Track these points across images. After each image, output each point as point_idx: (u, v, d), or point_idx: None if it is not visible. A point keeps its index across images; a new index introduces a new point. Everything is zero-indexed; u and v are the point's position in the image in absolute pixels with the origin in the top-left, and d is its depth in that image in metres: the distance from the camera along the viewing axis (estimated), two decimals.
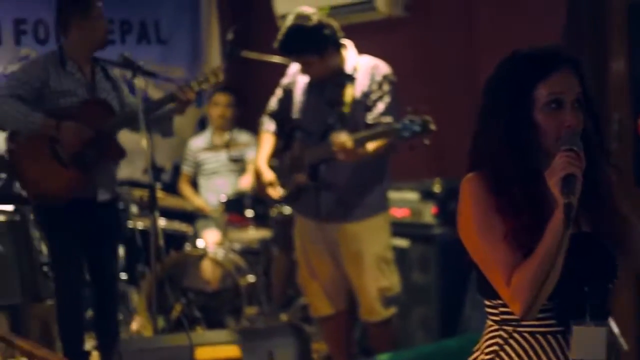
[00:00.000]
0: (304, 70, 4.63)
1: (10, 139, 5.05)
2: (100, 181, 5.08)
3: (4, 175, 5.91)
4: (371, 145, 4.42)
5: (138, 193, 6.18)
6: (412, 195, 5.34)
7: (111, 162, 5.15)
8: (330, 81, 4.61)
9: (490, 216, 2.22)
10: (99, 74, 5.14)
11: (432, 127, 4.22)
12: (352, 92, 4.54)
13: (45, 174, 4.95)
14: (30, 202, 4.75)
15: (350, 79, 4.56)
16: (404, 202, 5.34)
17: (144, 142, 4.54)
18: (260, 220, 5.95)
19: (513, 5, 5.32)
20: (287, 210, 5.83)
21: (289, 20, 4.55)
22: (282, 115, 4.91)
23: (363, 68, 4.60)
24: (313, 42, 4.50)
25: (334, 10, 5.90)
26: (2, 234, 6.05)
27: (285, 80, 4.90)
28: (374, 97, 4.54)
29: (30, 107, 4.85)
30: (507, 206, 2.20)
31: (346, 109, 4.52)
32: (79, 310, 5.26)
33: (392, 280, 4.70)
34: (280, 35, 4.57)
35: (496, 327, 2.33)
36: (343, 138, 4.32)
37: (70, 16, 5.02)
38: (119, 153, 5.14)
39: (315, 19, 4.51)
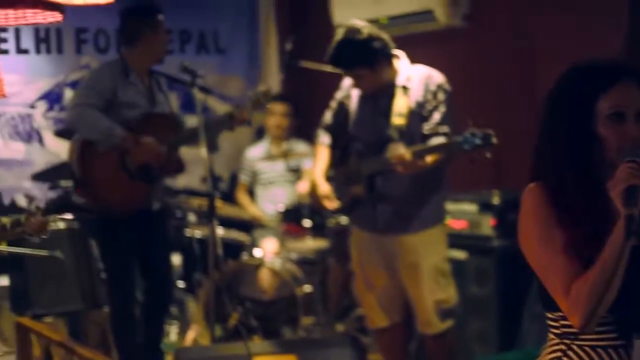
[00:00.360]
0: (356, 84, 4.62)
1: (83, 147, 5.09)
2: (154, 191, 5.15)
3: (64, 184, 6.00)
4: (429, 158, 4.40)
5: (196, 202, 6.22)
6: (470, 207, 5.30)
7: (172, 175, 5.22)
8: (384, 92, 4.59)
9: (551, 227, 2.21)
10: (155, 87, 5.23)
11: (494, 140, 4.18)
12: (407, 103, 4.51)
13: (114, 184, 5.06)
14: (90, 211, 4.80)
15: (405, 89, 4.54)
16: (462, 213, 5.30)
17: (202, 152, 4.56)
18: (318, 230, 5.96)
19: (573, 16, 5.26)
20: (344, 220, 5.83)
21: (339, 34, 4.53)
22: (337, 128, 4.89)
23: (417, 78, 4.57)
24: (363, 56, 4.47)
25: (394, 21, 5.91)
26: (61, 242, 6.13)
27: (339, 94, 4.89)
28: (429, 106, 4.50)
29: (109, 119, 4.92)
30: (568, 217, 2.19)
31: (402, 120, 4.49)
32: (133, 317, 5.31)
33: (449, 293, 4.66)
34: (330, 49, 4.55)
35: (557, 340, 2.31)
36: (401, 150, 4.29)
37: (140, 28, 5.12)
38: (180, 167, 5.22)
39: (365, 32, 4.47)
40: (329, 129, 4.98)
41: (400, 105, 4.52)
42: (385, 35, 4.55)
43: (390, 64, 4.55)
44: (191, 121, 5.48)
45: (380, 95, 4.60)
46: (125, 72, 5.10)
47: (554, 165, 2.27)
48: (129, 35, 5.18)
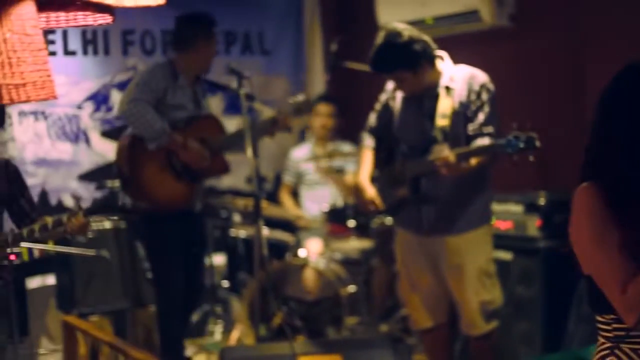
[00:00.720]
0: (398, 86, 4.61)
1: (132, 145, 5.20)
2: (197, 193, 5.29)
3: (110, 184, 6.06)
4: (473, 160, 4.38)
5: (241, 202, 6.25)
6: (516, 208, 5.28)
7: (216, 176, 5.31)
8: (428, 94, 4.58)
9: (606, 226, 2.19)
10: (199, 92, 5.43)
11: (538, 144, 4.15)
12: (451, 104, 4.50)
13: (160, 182, 5.18)
14: (133, 211, 4.88)
15: (448, 90, 4.53)
16: (507, 214, 5.28)
17: (248, 153, 4.59)
18: (362, 230, 5.96)
19: (621, 15, 5.22)
20: (388, 220, 5.83)
21: (380, 38, 4.51)
22: (382, 130, 4.89)
23: (460, 78, 4.55)
24: (405, 59, 4.45)
25: (439, 21, 5.90)
26: (108, 241, 6.21)
27: (384, 96, 4.89)
28: (473, 107, 4.48)
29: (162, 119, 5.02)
30: (625, 217, 2.17)
31: (446, 121, 4.48)
32: (180, 316, 5.37)
33: (493, 294, 4.64)
34: (371, 53, 4.54)
35: (608, 344, 2.29)
36: (445, 153, 4.27)
37: (195, 35, 5.25)
38: (225, 169, 5.30)
39: (406, 34, 4.45)
40: (374, 131, 4.98)
41: (444, 106, 4.50)
42: (426, 37, 4.53)
43: (432, 65, 4.53)
44: (235, 123, 5.52)
45: (424, 96, 4.58)
46: (174, 75, 5.22)
47: (610, 165, 2.25)
48: (182, 40, 5.29)
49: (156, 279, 5.50)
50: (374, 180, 4.90)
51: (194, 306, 5.68)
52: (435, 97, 4.55)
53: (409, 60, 4.44)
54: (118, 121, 6.47)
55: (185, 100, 5.23)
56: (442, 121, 4.49)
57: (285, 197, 6.95)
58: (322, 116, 6.84)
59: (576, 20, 5.55)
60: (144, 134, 5.09)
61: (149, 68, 5.42)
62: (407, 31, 4.46)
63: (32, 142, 6.55)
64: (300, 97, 5.38)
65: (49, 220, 4.25)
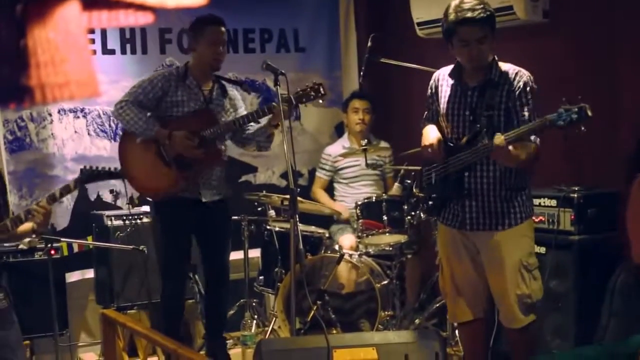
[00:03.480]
0: (472, 48, 4.47)
1: (123, 138, 5.66)
2: (203, 184, 5.53)
3: None
4: (523, 153, 4.38)
5: (275, 197, 6.31)
6: (549, 202, 5.30)
7: (211, 165, 5.47)
8: (474, 87, 4.60)
9: None
10: (217, 91, 5.63)
11: (590, 113, 4.15)
12: (497, 98, 4.53)
13: (150, 171, 5.51)
14: (118, 175, 5.08)
15: (494, 84, 4.55)
16: (541, 208, 5.30)
17: (284, 148, 4.64)
18: (396, 224, 5.99)
19: None
20: (422, 215, 5.87)
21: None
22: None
23: (506, 74, 4.58)
24: (493, 15, 4.47)
25: None
26: (145, 236, 6.29)
27: (429, 91, 4.89)
28: (518, 103, 4.51)
29: (148, 114, 5.45)
30: None
31: (492, 114, 4.51)
32: (181, 302, 5.78)
33: (533, 288, 4.65)
34: (464, 5, 4.45)
35: None
36: (499, 139, 4.29)
37: (192, 39, 5.64)
38: (217, 158, 5.52)
39: None
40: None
41: (490, 100, 4.53)
42: None
43: (493, 43, 4.57)
44: (268, 119, 5.59)
45: (470, 89, 4.61)
46: (184, 76, 5.55)
47: None
48: (188, 43, 5.73)
49: (160, 262, 5.83)
50: (423, 174, 4.91)
51: (219, 299, 5.76)
52: (481, 90, 4.58)
53: (494, 17, 4.47)
54: None
55: (188, 98, 5.52)
56: (487, 114, 4.52)
57: (320, 192, 6.98)
58: (358, 112, 6.87)
59: (608, 16, 5.55)
60: (130, 130, 5.51)
61: (154, 73, 5.78)
62: None
63: (71, 139, 6.66)
64: (309, 84, 5.41)
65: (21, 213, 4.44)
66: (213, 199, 5.58)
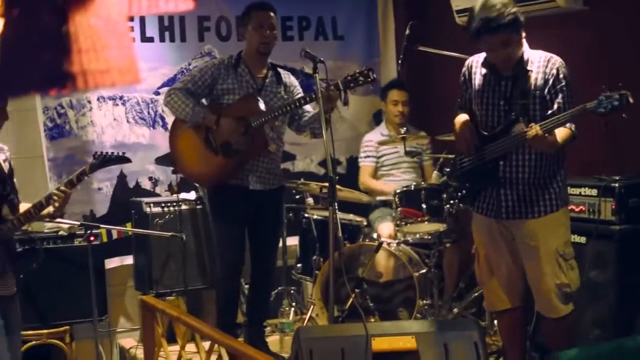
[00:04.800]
0: (497, 53, 4.48)
1: (174, 126, 5.68)
2: (252, 172, 5.51)
3: None
4: (560, 137, 4.36)
5: (313, 185, 6.31)
6: (590, 192, 5.25)
7: (256, 154, 5.46)
8: (507, 75, 4.58)
9: None
10: (271, 79, 5.61)
11: (631, 100, 4.12)
12: (530, 85, 4.50)
13: (198, 158, 5.52)
14: (126, 160, 5.11)
15: (527, 72, 4.52)
16: (582, 198, 5.26)
17: (324, 136, 4.64)
18: (435, 213, 5.96)
19: None
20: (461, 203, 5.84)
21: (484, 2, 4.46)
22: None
23: (538, 61, 4.54)
24: (516, 18, 4.41)
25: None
26: (184, 223, 6.33)
27: (461, 78, 4.88)
28: (552, 90, 4.47)
29: (196, 101, 5.46)
30: None
31: (526, 102, 4.48)
32: (235, 286, 5.74)
33: (570, 277, 4.62)
34: (481, 13, 4.45)
35: None
36: (535, 129, 4.27)
37: (240, 25, 5.77)
38: (262, 146, 5.47)
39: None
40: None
41: (523, 87, 4.51)
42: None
43: (521, 40, 4.53)
44: (309, 106, 5.59)
45: (502, 77, 4.58)
46: (236, 64, 5.56)
47: None
48: (227, 30, 5.68)
49: (215, 249, 5.89)
50: (458, 165, 4.90)
51: (263, 287, 5.78)
52: (514, 78, 4.55)
53: (518, 21, 4.43)
54: None
55: (239, 86, 5.52)
56: (522, 102, 4.50)
57: (370, 180, 6.90)
58: (397, 101, 6.84)
59: None
60: (179, 116, 5.52)
61: (207, 61, 5.87)
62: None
63: (110, 126, 6.70)
64: (359, 69, 5.39)
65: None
66: (263, 188, 5.56)
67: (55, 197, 4.55)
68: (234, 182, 5.49)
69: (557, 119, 4.28)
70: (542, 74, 4.50)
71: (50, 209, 4.62)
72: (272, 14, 5.55)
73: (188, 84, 5.49)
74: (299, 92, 5.72)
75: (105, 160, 4.81)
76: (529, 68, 4.52)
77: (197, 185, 6.51)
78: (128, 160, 4.97)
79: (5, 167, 4.58)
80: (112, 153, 4.86)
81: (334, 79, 5.42)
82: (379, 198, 6.75)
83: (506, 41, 4.41)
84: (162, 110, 6.80)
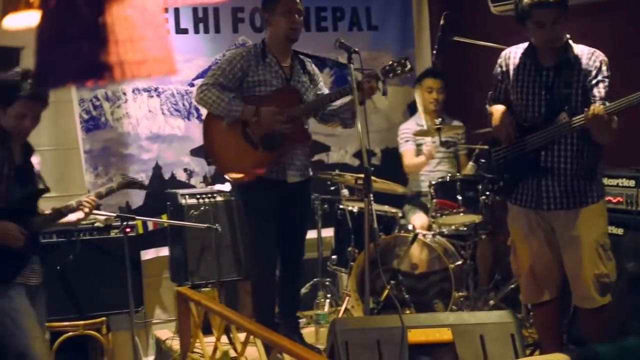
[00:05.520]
0: (545, 30, 4.45)
1: (208, 122, 5.55)
2: (289, 164, 5.45)
3: None
4: (615, 124, 4.35)
5: (348, 177, 6.29)
6: (627, 182, 5.19)
7: (297, 145, 5.42)
8: (549, 65, 4.55)
9: None
10: (297, 67, 5.54)
11: None
12: (573, 77, 4.47)
13: (238, 154, 5.40)
14: (144, 187, 5.21)
15: (569, 63, 4.49)
16: (619, 189, 5.20)
17: (357, 127, 4.62)
18: (470, 204, 5.93)
19: None
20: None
21: None
22: (501, 104, 4.84)
23: (581, 53, 4.52)
24: None
25: None
26: (219, 215, 6.33)
27: (498, 69, 4.84)
28: (594, 82, 4.45)
29: (231, 95, 5.31)
30: None
31: (569, 91, 4.45)
32: (272, 280, 5.61)
33: (608, 268, 4.60)
34: None
35: None
36: (598, 108, 4.25)
37: (264, 14, 5.57)
38: (305, 137, 5.40)
39: None
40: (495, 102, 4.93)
41: (568, 79, 4.48)
42: None
43: (565, 25, 4.51)
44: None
45: (545, 69, 4.56)
46: (263, 54, 5.45)
47: None
48: (261, 21, 5.54)
49: (250, 245, 5.76)
50: (495, 155, 4.87)
51: (293, 278, 5.76)
52: (555, 67, 4.54)
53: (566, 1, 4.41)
54: None
55: (270, 77, 5.42)
56: (566, 92, 4.47)
57: (415, 159, 6.82)
58: (432, 91, 6.81)
59: None
60: (214, 112, 5.40)
61: (231, 53, 5.66)
62: None
63: (145, 118, 6.72)
64: (396, 60, 5.37)
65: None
66: (300, 180, 5.54)
67: (85, 204, 4.65)
68: (271, 175, 5.43)
69: (621, 103, 4.26)
70: (585, 65, 4.49)
71: (80, 214, 4.70)
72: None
73: (219, 78, 5.37)
74: (320, 80, 5.70)
75: (131, 183, 5.12)
76: (572, 60, 4.50)
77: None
78: (146, 188, 5.41)
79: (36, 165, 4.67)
80: (135, 179, 5.18)
81: (369, 69, 5.39)
82: (415, 189, 6.73)
83: (555, 19, 4.39)
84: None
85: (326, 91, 5.68)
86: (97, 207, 4.93)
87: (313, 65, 5.73)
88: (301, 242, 5.75)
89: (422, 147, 6.77)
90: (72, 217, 4.70)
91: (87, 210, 4.67)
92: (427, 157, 6.57)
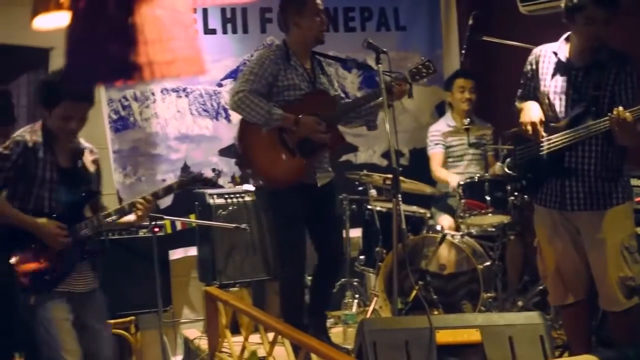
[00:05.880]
0: (596, 26, 4.47)
1: (243, 127, 5.36)
2: (319, 167, 5.43)
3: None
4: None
5: (376, 177, 6.29)
6: None
7: (332, 149, 5.39)
8: (580, 66, 4.53)
9: None
10: (317, 69, 5.49)
11: None
12: (605, 80, 4.44)
13: (276, 161, 5.30)
14: (216, 184, 5.06)
15: (600, 64, 4.46)
16: None
17: (386, 128, 4.61)
18: (499, 204, 5.90)
19: None
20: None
21: None
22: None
23: (614, 57, 4.49)
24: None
25: None
26: (248, 215, 6.34)
27: (528, 67, 4.82)
28: (623, 86, 4.43)
29: (270, 103, 5.20)
30: None
31: (597, 93, 4.43)
32: (302, 283, 5.54)
33: (634, 270, 4.56)
34: None
35: None
36: (625, 113, 4.22)
37: (287, 14, 5.39)
38: (340, 141, 5.37)
39: None
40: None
41: (597, 81, 4.46)
42: None
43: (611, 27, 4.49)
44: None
45: (575, 69, 4.54)
46: (287, 56, 5.34)
47: None
48: (282, 23, 5.43)
49: (279, 250, 5.65)
50: (519, 152, 4.85)
51: (333, 277, 5.74)
52: (586, 68, 4.52)
53: (620, 2, 4.39)
54: None
55: (298, 80, 5.33)
56: (594, 94, 4.45)
57: (441, 170, 6.85)
58: (463, 91, 6.79)
59: None
60: (252, 120, 5.23)
61: (258, 55, 5.52)
62: None
63: (174, 118, 6.75)
64: (419, 62, 5.36)
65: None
66: (327, 182, 5.50)
67: (139, 206, 4.56)
68: (304, 180, 5.37)
69: None
70: (616, 69, 4.45)
71: (132, 217, 4.64)
72: None
73: (254, 83, 5.22)
74: (335, 82, 5.69)
75: (194, 180, 4.88)
76: (604, 61, 4.47)
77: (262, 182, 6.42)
78: (216, 184, 4.97)
79: (92, 167, 4.64)
80: (202, 174, 4.94)
81: (397, 70, 5.37)
82: (443, 189, 6.72)
83: (607, 18, 4.37)
84: (225, 102, 6.83)
85: (339, 92, 5.67)
86: (155, 209, 4.82)
87: (330, 67, 5.72)
88: (339, 241, 5.70)
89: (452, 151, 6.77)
90: (126, 218, 4.64)
91: (140, 213, 4.58)
92: (451, 185, 6.54)
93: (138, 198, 4.62)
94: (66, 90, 4.19)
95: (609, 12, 4.36)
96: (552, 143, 4.57)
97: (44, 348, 4.34)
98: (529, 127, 4.62)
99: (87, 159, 4.62)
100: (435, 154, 6.90)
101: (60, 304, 4.37)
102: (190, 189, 6.61)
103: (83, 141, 4.64)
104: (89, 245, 4.54)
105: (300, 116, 5.24)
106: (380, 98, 5.03)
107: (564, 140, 4.52)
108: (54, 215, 4.35)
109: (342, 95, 5.81)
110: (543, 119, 4.63)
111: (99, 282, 4.63)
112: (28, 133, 4.35)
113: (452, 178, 6.53)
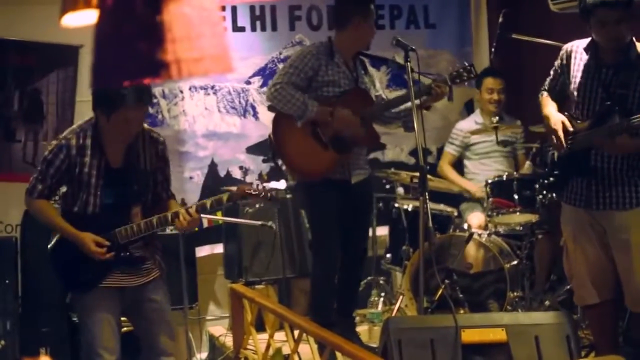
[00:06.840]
0: (610, 27, 4.44)
1: (278, 121, 5.44)
2: (354, 164, 5.42)
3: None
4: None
5: (404, 175, 6.28)
6: None
7: (366, 146, 5.38)
8: (610, 63, 4.50)
9: None
10: (359, 68, 5.53)
11: None
12: (635, 79, 4.41)
13: (307, 154, 5.36)
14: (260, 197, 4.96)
15: (630, 63, 4.44)
16: None
17: (415, 125, 4.60)
18: (527, 203, 5.88)
19: None
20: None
21: None
22: (556, 96, 4.81)
23: (638, 56, 4.46)
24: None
25: None
26: (274, 212, 6.35)
27: (558, 62, 4.80)
28: None
29: (305, 95, 5.25)
30: None
31: (625, 92, 4.40)
32: (334, 281, 5.55)
33: None
34: None
35: None
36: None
37: (352, 13, 5.38)
38: (375, 140, 5.37)
39: None
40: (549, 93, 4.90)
41: (625, 80, 4.43)
42: None
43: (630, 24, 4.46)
44: (397, 95, 5.57)
45: (605, 67, 4.51)
46: (330, 53, 5.38)
47: None
48: (340, 18, 5.47)
49: (313, 245, 5.70)
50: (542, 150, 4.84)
51: (356, 275, 5.73)
52: (615, 66, 4.50)
53: (633, 1, 4.37)
54: None
55: (339, 77, 5.37)
56: (621, 92, 4.42)
57: (448, 169, 6.89)
58: (492, 89, 6.77)
59: None
60: (288, 112, 5.29)
61: (301, 49, 5.60)
62: None
63: (202, 116, 6.77)
64: (461, 65, 5.36)
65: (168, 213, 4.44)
66: (363, 179, 5.52)
67: (181, 218, 4.40)
68: (336, 176, 5.40)
69: None
70: None
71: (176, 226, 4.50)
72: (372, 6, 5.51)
73: (292, 76, 5.27)
74: (376, 82, 5.73)
75: (245, 196, 4.65)
76: (633, 59, 4.44)
77: (291, 175, 6.43)
78: (264, 198, 4.70)
79: (154, 162, 4.54)
80: (256, 193, 4.66)
81: (434, 73, 5.37)
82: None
83: (619, 18, 4.34)
84: (253, 100, 6.84)
85: (382, 93, 5.68)
86: (199, 222, 4.60)
87: (370, 67, 5.74)
88: (366, 242, 5.73)
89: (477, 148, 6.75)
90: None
91: (180, 226, 4.41)
92: (473, 193, 6.53)
93: (182, 209, 4.45)
94: (128, 96, 4.13)
95: (618, 13, 4.33)
96: (579, 141, 4.55)
97: (83, 343, 4.41)
98: (554, 139, 4.63)
99: (150, 152, 4.51)
100: (447, 152, 6.98)
101: (103, 300, 4.36)
102: (215, 187, 6.67)
103: (152, 131, 4.58)
104: (132, 247, 4.45)
105: (336, 109, 5.28)
106: (417, 100, 4.95)
107: (589, 139, 4.49)
108: (97, 223, 4.30)
109: (384, 97, 5.82)
110: (567, 123, 4.61)
111: (157, 274, 4.59)
112: (74, 135, 4.30)
113: (471, 187, 6.56)
